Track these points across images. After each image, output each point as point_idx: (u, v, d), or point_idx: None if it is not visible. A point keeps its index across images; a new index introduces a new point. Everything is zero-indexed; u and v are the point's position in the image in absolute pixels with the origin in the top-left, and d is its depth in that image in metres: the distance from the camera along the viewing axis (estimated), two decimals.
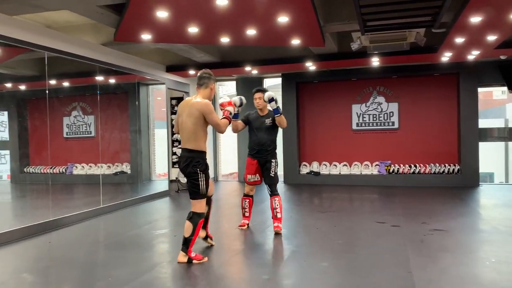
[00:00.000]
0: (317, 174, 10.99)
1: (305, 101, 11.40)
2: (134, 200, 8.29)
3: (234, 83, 11.84)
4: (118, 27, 5.90)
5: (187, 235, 4.28)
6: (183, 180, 8.87)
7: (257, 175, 5.72)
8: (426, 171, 10.31)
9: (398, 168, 10.52)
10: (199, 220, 4.32)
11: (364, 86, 10.90)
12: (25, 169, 11.59)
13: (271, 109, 5.54)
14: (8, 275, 4.12)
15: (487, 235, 5.43)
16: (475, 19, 5.67)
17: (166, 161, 9.75)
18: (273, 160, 5.62)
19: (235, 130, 5.59)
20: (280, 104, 5.53)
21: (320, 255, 4.64)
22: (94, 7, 5.45)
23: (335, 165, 11.05)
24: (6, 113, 12.14)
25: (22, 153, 11.56)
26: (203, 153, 4.39)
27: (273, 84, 12.41)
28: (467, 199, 8.24)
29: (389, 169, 10.58)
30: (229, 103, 4.62)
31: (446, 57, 8.44)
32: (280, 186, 10.62)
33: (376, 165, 10.78)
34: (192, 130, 4.31)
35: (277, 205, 5.57)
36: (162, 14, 5.26)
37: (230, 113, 4.55)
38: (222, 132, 4.54)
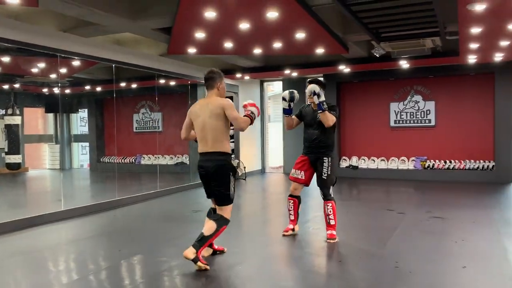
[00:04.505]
0: (355, 168, 11.78)
1: (345, 100, 12.20)
2: (189, 186, 9.76)
3: (281, 83, 12.94)
4: (169, 44, 7.25)
5: (207, 233, 4.07)
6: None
7: (302, 172, 5.13)
8: (461, 167, 10.74)
9: (433, 164, 11.03)
10: (224, 225, 4.18)
11: (401, 86, 11.49)
12: (101, 159, 13.60)
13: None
14: (86, 236, 5.68)
15: (478, 225, 5.82)
16: (475, 30, 6.25)
17: None
18: (325, 159, 5.01)
19: (289, 126, 5.23)
20: (323, 98, 4.81)
21: (322, 233, 5.55)
22: (149, 30, 6.85)
23: (373, 160, 11.78)
24: (86, 110, 14.33)
25: (98, 145, 13.61)
26: (230, 156, 4.27)
27: None
28: (491, 194, 8.61)
29: (425, 165, 11.12)
30: (252, 105, 4.40)
31: (472, 59, 8.90)
32: None
33: (412, 160, 11.36)
34: (219, 130, 4.12)
35: (330, 211, 5.03)
36: (200, 35, 6.52)
37: (252, 113, 4.30)
38: (242, 129, 4.19)
